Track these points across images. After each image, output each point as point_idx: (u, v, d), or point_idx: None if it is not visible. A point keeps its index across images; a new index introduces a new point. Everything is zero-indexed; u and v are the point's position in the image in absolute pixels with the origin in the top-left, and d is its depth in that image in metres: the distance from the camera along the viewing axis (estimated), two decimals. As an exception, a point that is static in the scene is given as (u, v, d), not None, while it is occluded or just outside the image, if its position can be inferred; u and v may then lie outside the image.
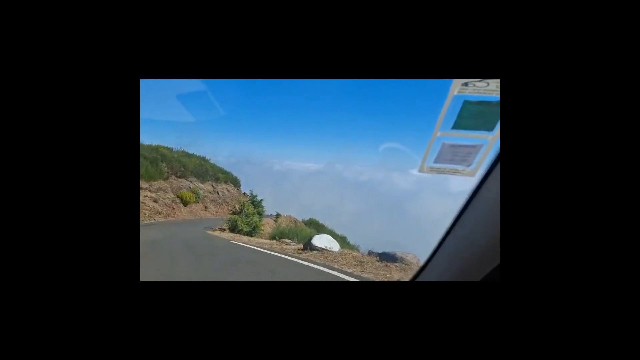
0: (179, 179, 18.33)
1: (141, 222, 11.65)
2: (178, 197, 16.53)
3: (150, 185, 15.37)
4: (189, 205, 16.99)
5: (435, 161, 0.66)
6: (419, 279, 0.87)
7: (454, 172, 0.67)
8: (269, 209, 16.37)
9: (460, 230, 0.70)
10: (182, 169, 19.43)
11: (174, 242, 6.88)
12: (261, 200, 14.69)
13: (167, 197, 15.56)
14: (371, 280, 3.63)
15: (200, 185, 19.82)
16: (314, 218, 23.68)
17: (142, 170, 15.39)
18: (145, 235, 7.83)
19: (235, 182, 25.58)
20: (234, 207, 12.71)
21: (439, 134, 0.62)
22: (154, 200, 14.17)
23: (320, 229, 20.13)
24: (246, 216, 11.73)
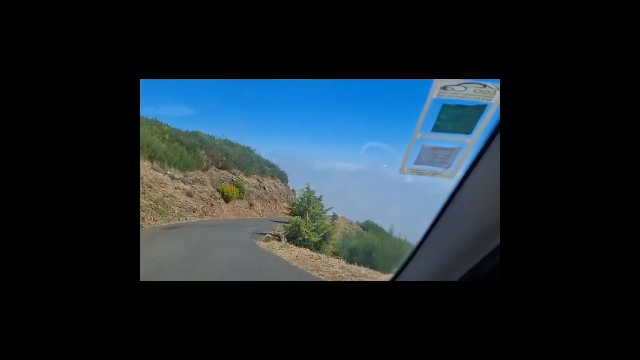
0: (221, 170, 15.18)
1: (165, 223, 8.33)
2: (218, 191, 13.28)
3: (185, 176, 12.25)
4: (231, 202, 13.69)
5: (416, 162, 0.67)
6: (399, 279, 0.87)
7: (434, 173, 0.68)
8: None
9: (440, 231, 0.70)
10: (225, 159, 16.34)
11: (194, 279, 3.11)
12: (320, 197, 10.59)
13: (205, 191, 12.31)
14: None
15: (245, 178, 16.52)
16: (371, 221, 19.61)
17: (176, 158, 12.40)
18: (146, 254, 4.23)
19: (283, 177, 22.15)
20: (294, 205, 8.79)
21: (419, 135, 0.64)
22: (188, 193, 10.91)
23: (379, 232, 16.12)
24: (312, 219, 7.80)
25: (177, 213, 9.44)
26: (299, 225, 7.47)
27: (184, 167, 12.78)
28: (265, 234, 8.03)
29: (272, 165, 21.31)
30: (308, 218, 7.83)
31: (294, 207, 8.80)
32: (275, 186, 19.99)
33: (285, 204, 20.82)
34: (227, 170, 15.73)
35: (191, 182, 12.12)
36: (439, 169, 0.66)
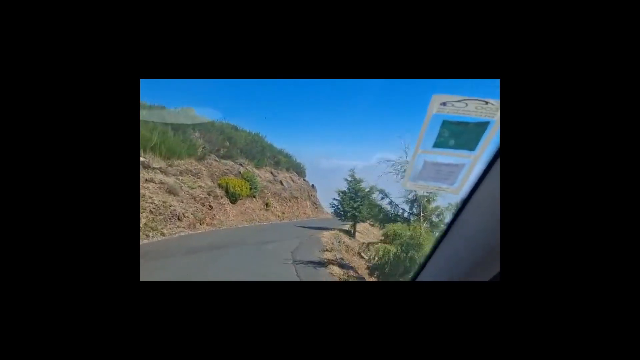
0: (223, 160, 10.97)
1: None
2: (220, 186, 9.03)
3: (170, 165, 8.01)
4: (240, 202, 9.45)
5: (418, 178, 0.66)
6: (419, 279, 0.87)
7: (438, 189, 0.66)
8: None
9: (461, 230, 0.69)
10: (228, 144, 12.12)
11: None
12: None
13: (200, 187, 8.05)
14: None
15: (255, 171, 12.27)
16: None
17: (155, 139, 8.17)
18: None
19: (300, 170, 17.87)
20: (382, 205, 4.33)
21: (420, 151, 0.62)
22: (170, 190, 6.64)
23: None
24: (434, 227, 3.41)
25: (143, 224, 5.14)
26: (406, 250, 3.03)
27: (169, 154, 8.56)
28: (324, 264, 3.71)
29: (287, 155, 17.06)
30: (425, 224, 3.44)
31: (383, 210, 4.33)
32: (292, 180, 15.73)
33: (307, 202, 16.68)
34: (232, 160, 11.52)
35: (176, 174, 7.86)
36: (443, 185, 0.64)
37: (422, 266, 0.84)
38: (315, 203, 16.92)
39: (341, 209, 8.92)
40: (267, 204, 11.10)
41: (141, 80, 0.65)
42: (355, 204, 8.44)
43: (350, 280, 3.56)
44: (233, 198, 9.23)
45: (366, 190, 8.55)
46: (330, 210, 10.03)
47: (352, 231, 9.07)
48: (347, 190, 8.88)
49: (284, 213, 11.92)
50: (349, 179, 8.83)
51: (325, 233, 7.75)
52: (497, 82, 0.56)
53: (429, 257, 0.81)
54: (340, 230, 8.92)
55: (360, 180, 8.62)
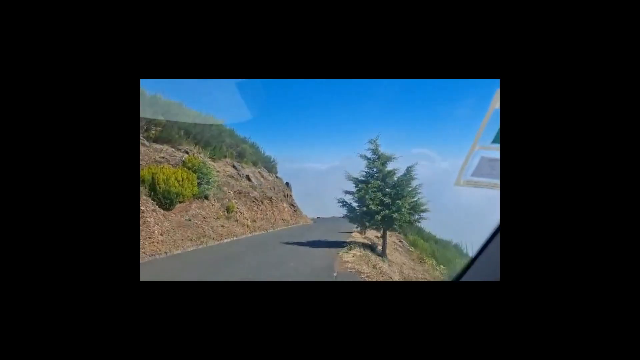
0: (156, 145, 6.92)
1: None
2: (142, 181, 4.99)
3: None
4: (180, 207, 5.50)
5: (473, 174, 0.66)
6: (464, 279, 0.85)
7: (493, 186, 0.66)
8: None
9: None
10: (163, 122, 8.00)
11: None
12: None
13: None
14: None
15: (210, 162, 8.25)
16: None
17: None
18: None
19: (269, 165, 14.01)
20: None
21: (477, 147, 0.63)
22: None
23: (436, 241, 12.47)
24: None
25: None
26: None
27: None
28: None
29: (253, 146, 13.09)
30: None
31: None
32: (262, 177, 11.88)
33: (284, 204, 12.69)
34: (171, 146, 7.46)
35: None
36: (498, 182, 0.63)
37: (469, 265, 0.83)
38: (293, 205, 13.18)
39: (361, 209, 5.25)
40: (228, 209, 7.19)
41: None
42: (386, 199, 4.90)
43: None
44: (167, 200, 5.29)
45: (398, 175, 5.05)
46: (341, 213, 6.19)
47: (381, 248, 5.48)
48: (367, 177, 5.29)
49: (254, 221, 8.06)
50: (370, 155, 5.24)
51: (347, 257, 4.14)
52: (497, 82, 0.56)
53: (476, 257, 0.81)
54: (362, 245, 5.36)
55: (389, 158, 5.11)
